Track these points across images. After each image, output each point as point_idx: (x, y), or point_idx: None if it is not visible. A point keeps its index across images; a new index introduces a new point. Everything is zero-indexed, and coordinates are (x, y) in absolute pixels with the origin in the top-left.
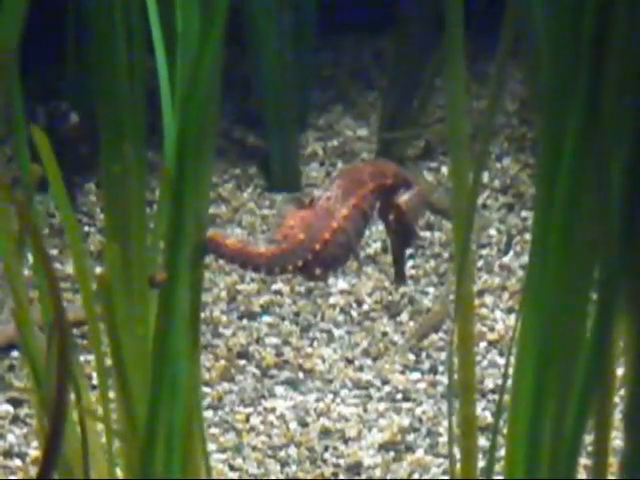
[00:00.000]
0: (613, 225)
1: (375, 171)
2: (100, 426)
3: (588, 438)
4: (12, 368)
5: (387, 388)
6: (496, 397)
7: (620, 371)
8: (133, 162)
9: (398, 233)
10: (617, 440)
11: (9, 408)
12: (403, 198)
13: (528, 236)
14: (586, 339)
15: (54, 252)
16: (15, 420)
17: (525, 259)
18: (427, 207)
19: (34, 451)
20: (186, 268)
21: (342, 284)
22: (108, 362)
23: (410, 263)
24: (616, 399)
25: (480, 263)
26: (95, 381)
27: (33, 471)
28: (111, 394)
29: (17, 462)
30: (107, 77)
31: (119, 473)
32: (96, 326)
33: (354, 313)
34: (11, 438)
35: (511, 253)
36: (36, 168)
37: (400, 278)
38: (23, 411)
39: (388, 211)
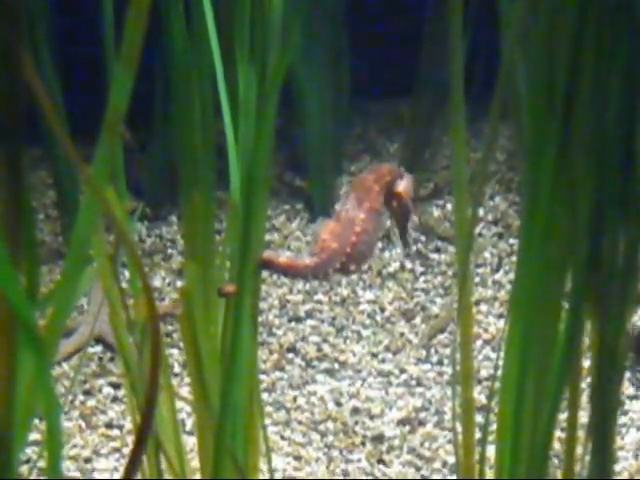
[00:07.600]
0: (581, 250)
1: (376, 176)
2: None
3: (562, 416)
4: (113, 359)
5: (404, 376)
6: (489, 384)
7: (586, 363)
8: (205, 201)
9: (400, 213)
10: (584, 418)
11: (110, 390)
12: (401, 187)
13: (514, 258)
14: (559, 338)
15: (145, 269)
16: (115, 399)
17: (512, 276)
18: (415, 188)
19: (129, 424)
20: (251, 281)
21: (369, 295)
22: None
23: (422, 278)
24: (583, 385)
25: (477, 279)
26: (176, 370)
27: (128, 439)
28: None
29: (116, 432)
30: (186, 135)
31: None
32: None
33: (378, 318)
34: (111, 413)
35: (501, 271)
36: (131, 203)
37: (405, 246)
38: (121, 392)
39: (391, 199)
